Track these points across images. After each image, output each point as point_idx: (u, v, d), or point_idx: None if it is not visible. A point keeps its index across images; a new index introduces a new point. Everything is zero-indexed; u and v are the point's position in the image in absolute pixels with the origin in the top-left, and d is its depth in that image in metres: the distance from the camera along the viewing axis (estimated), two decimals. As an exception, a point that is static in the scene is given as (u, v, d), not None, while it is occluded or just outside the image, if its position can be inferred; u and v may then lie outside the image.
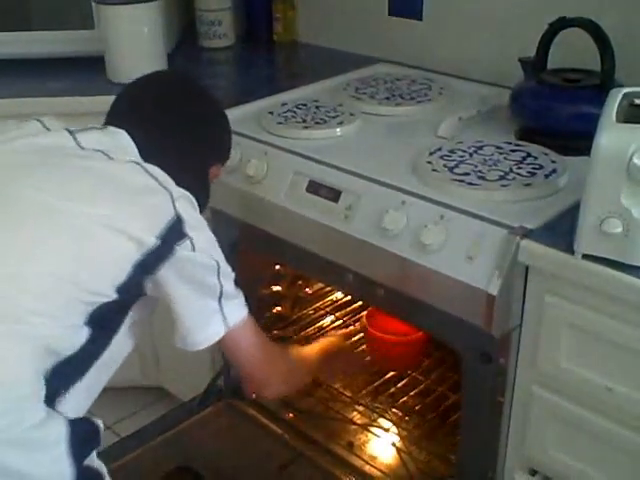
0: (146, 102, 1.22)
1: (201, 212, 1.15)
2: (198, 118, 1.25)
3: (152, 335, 1.98)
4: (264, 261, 1.76)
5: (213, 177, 1.30)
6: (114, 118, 1.20)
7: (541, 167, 1.34)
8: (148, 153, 1.14)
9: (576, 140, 1.34)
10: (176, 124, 1.21)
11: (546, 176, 1.31)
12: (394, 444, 1.68)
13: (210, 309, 1.13)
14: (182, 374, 1.94)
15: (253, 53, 2.24)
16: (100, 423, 1.10)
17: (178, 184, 1.10)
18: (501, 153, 1.40)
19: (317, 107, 1.66)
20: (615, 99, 1.12)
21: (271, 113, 1.63)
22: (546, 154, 1.39)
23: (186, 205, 1.09)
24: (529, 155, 1.39)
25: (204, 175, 1.28)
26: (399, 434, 1.69)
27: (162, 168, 1.10)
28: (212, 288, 1.12)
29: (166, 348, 1.99)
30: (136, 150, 1.14)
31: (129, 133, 1.15)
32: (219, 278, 1.13)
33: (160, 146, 1.16)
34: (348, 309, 2.00)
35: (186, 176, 1.12)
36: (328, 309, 2.00)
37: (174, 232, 1.06)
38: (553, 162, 1.36)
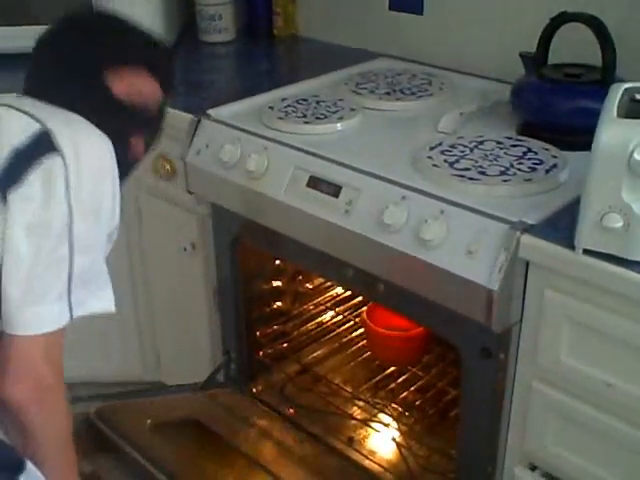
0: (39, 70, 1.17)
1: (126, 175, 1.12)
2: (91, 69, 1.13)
3: (153, 330, 1.99)
4: (264, 256, 1.76)
5: (136, 153, 1.18)
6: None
7: (542, 162, 1.34)
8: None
9: (577, 135, 1.34)
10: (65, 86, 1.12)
11: (547, 171, 1.31)
12: (394, 439, 1.68)
13: (53, 284, 0.98)
14: (182, 369, 1.94)
15: (253, 48, 2.23)
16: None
17: None
18: (502, 148, 1.40)
19: (317, 102, 1.66)
20: (616, 94, 1.12)
21: (271, 108, 1.63)
22: (547, 149, 1.38)
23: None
24: (530, 150, 1.38)
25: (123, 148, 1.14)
26: (399, 429, 1.69)
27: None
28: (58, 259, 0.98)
29: (167, 343, 1.99)
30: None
31: None
32: (72, 247, 0.98)
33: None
34: (348, 304, 2.00)
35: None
36: (328, 304, 1.99)
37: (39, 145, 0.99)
38: (554, 157, 1.36)
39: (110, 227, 1.07)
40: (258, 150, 1.49)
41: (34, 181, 0.97)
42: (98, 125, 1.07)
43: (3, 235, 0.96)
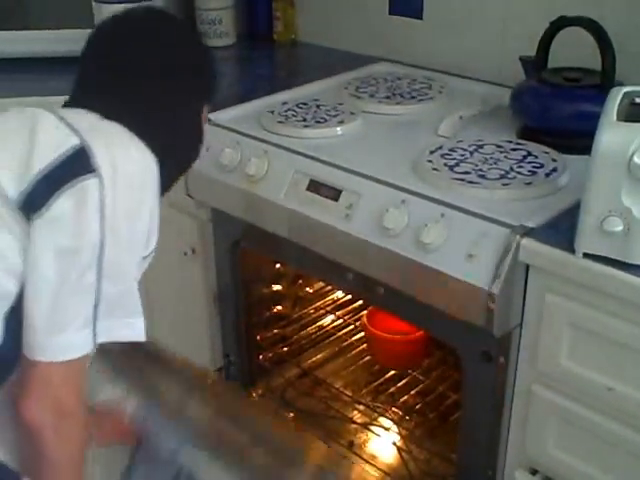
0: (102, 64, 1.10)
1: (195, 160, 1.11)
2: (166, 61, 1.10)
3: (152, 333, 1.98)
4: (265, 260, 1.76)
5: (204, 121, 1.19)
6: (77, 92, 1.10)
7: (542, 166, 1.34)
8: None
9: (577, 139, 1.34)
10: (139, 79, 1.08)
11: (547, 175, 1.31)
12: (394, 443, 1.68)
13: (79, 310, 0.95)
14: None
15: (253, 52, 2.24)
16: None
17: (166, 145, 1.03)
18: (502, 152, 1.40)
19: (317, 106, 1.66)
20: (616, 98, 1.12)
21: (271, 112, 1.63)
22: (547, 153, 1.39)
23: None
24: (530, 154, 1.39)
25: (195, 124, 1.16)
26: (399, 433, 1.69)
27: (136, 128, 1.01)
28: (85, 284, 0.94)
29: (166, 346, 1.99)
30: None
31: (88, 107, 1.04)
32: (99, 274, 0.94)
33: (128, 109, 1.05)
34: (349, 308, 1.99)
35: (175, 132, 1.06)
36: (329, 308, 1.99)
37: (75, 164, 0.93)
38: (554, 161, 1.36)
39: (146, 250, 1.04)
40: (258, 154, 1.49)
41: (65, 203, 0.92)
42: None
43: (27, 258, 0.92)
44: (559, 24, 1.43)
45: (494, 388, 1.29)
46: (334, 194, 1.38)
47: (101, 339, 0.96)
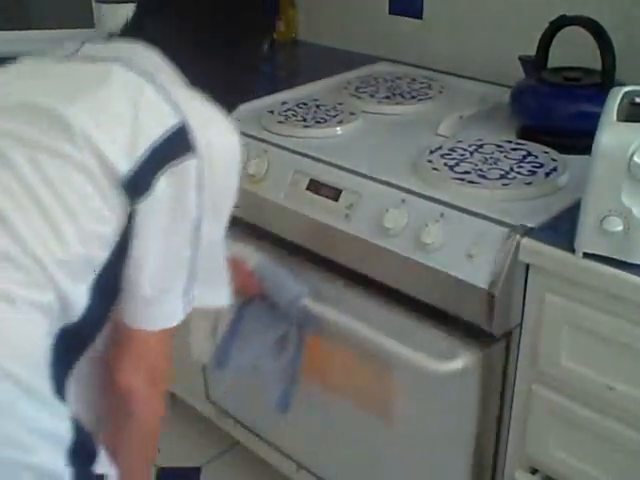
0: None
1: None
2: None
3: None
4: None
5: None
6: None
7: (541, 166, 1.34)
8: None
9: (577, 139, 1.34)
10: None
11: (547, 175, 1.31)
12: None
13: (175, 283, 0.98)
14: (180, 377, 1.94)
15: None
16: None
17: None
18: (501, 152, 1.40)
19: (317, 106, 1.66)
20: (616, 98, 1.12)
21: (271, 112, 1.63)
22: (546, 153, 1.39)
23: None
24: (529, 154, 1.39)
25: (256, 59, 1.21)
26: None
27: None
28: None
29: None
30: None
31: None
32: (195, 249, 0.97)
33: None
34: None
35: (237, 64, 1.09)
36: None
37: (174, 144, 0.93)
38: (554, 161, 1.36)
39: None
40: (258, 154, 1.50)
41: (166, 183, 0.92)
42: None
43: (129, 235, 0.93)
44: (559, 23, 1.43)
45: (494, 388, 1.29)
46: (334, 194, 1.38)
47: (192, 307, 1.00)
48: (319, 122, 1.58)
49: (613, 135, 1.03)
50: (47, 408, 0.87)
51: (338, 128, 1.56)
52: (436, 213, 1.24)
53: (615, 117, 1.06)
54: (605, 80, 1.38)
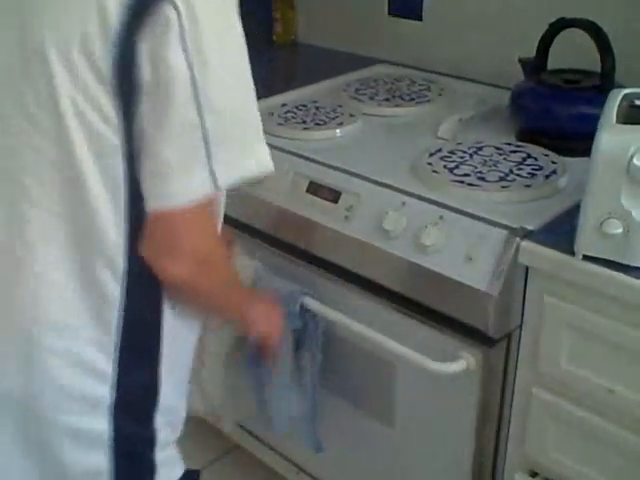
0: None
1: None
2: None
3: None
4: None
5: None
6: None
7: (541, 168, 1.34)
8: None
9: (576, 141, 1.34)
10: None
11: (546, 177, 1.31)
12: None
13: (191, 152, 0.88)
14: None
15: (253, 54, 2.22)
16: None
17: None
18: (501, 154, 1.40)
19: (317, 108, 1.66)
20: (615, 100, 1.12)
21: (271, 114, 1.63)
22: (546, 155, 1.39)
23: None
24: (529, 156, 1.39)
25: None
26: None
27: None
28: (187, 122, 0.87)
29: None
30: None
31: None
32: (200, 109, 0.86)
33: None
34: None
35: None
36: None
37: None
38: (553, 163, 1.36)
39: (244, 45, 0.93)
40: (257, 156, 1.49)
41: (144, 47, 0.85)
42: None
43: (127, 117, 0.87)
44: (558, 26, 1.43)
45: (494, 390, 1.29)
46: (334, 196, 1.38)
47: (223, 178, 0.90)
48: (319, 124, 1.58)
49: (613, 137, 1.03)
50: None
51: (338, 130, 1.56)
52: (435, 215, 1.24)
53: (615, 119, 1.06)
54: (605, 82, 1.38)
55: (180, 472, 1.11)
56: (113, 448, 0.99)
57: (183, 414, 1.10)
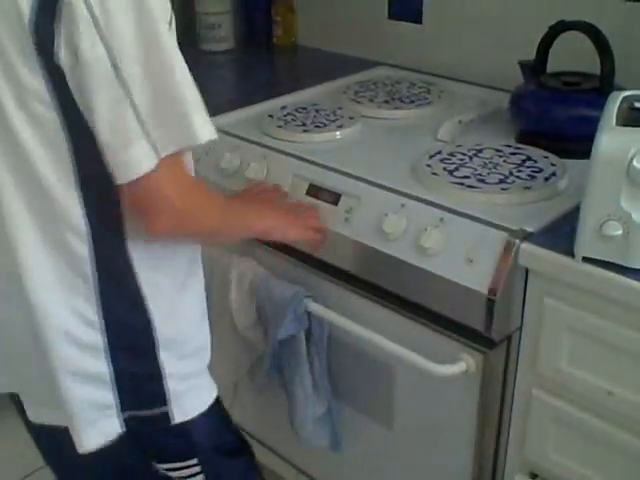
0: None
1: None
2: None
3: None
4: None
5: None
6: None
7: (541, 170, 1.34)
8: None
9: (576, 143, 1.34)
10: None
11: (546, 179, 1.31)
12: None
13: (127, 127, 0.90)
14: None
15: (253, 56, 2.24)
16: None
17: None
18: (501, 156, 1.40)
19: (317, 110, 1.66)
20: (615, 102, 1.12)
21: (271, 116, 1.64)
22: (546, 157, 1.39)
23: None
24: (529, 158, 1.39)
25: None
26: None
27: None
28: (115, 98, 0.89)
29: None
30: None
31: None
32: (125, 86, 0.89)
33: None
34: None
35: None
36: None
37: None
38: (553, 165, 1.36)
39: (165, 20, 0.92)
40: (257, 158, 1.50)
41: (61, 33, 0.87)
42: None
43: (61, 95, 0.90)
44: (558, 28, 1.43)
45: (493, 392, 1.28)
46: (333, 198, 1.38)
47: (164, 149, 0.92)
48: (318, 127, 1.58)
49: (612, 140, 1.03)
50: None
51: (337, 133, 1.56)
52: (435, 218, 1.24)
53: (614, 122, 1.06)
54: (604, 84, 1.38)
55: (208, 400, 1.14)
56: (117, 385, 1.04)
57: (198, 343, 1.12)
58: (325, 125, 1.59)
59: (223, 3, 2.21)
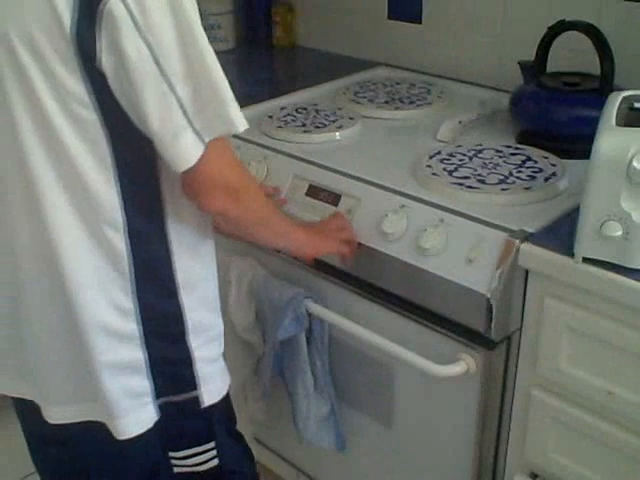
0: None
1: None
2: None
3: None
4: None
5: None
6: None
7: (541, 170, 1.34)
8: None
9: (576, 143, 1.34)
10: None
11: (546, 179, 1.31)
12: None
13: (174, 120, 0.95)
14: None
15: (253, 57, 2.24)
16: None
17: None
18: (501, 157, 1.40)
19: (317, 111, 1.66)
20: (614, 102, 1.12)
21: (271, 117, 1.64)
22: (546, 157, 1.39)
23: None
24: (529, 159, 1.39)
25: None
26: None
27: None
28: (160, 92, 0.94)
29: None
30: None
31: None
32: (169, 82, 0.93)
33: None
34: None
35: None
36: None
37: None
38: (553, 165, 1.36)
39: (197, 16, 0.96)
40: (257, 159, 1.50)
41: (103, 40, 0.91)
42: None
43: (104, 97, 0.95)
44: (558, 28, 1.43)
45: (494, 392, 1.29)
46: (333, 199, 1.38)
47: (207, 136, 0.97)
48: (318, 127, 1.58)
49: (612, 140, 1.03)
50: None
51: (337, 133, 1.56)
52: (435, 218, 1.24)
53: (614, 122, 1.06)
54: (604, 85, 1.38)
55: (227, 384, 1.19)
56: (152, 372, 1.09)
57: (219, 329, 1.17)
58: (325, 125, 1.59)
59: (223, 4, 2.21)
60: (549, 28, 1.44)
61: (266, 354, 1.48)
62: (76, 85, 0.94)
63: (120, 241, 1.02)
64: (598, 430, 1.17)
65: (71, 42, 0.91)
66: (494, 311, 1.17)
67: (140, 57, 0.91)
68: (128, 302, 1.05)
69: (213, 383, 1.15)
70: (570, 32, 1.41)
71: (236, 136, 1.55)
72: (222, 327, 1.18)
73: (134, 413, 1.09)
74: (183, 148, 0.96)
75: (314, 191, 1.41)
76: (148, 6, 0.90)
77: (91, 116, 0.96)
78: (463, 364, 1.24)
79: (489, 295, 1.17)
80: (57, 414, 1.12)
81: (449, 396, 1.32)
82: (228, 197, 1.04)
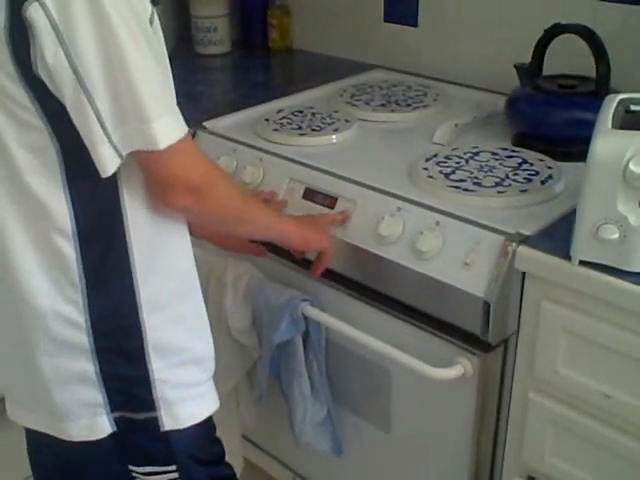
0: None
1: None
2: None
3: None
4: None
5: None
6: None
7: (537, 173, 1.34)
8: None
9: (572, 146, 1.35)
10: None
11: (542, 182, 1.31)
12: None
13: (92, 131, 0.92)
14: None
15: (248, 60, 2.24)
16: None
17: None
18: (497, 159, 1.40)
19: (313, 114, 1.66)
20: (611, 105, 1.12)
21: (267, 120, 1.63)
22: (542, 160, 1.39)
23: None
24: (525, 161, 1.39)
25: None
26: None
27: None
28: (78, 104, 0.91)
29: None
30: None
31: None
32: (88, 94, 0.90)
33: None
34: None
35: None
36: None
37: None
38: (549, 168, 1.36)
39: (144, 20, 0.95)
40: (254, 162, 1.49)
41: (35, 46, 0.88)
42: None
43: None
44: (554, 31, 1.43)
45: (491, 395, 1.28)
46: (330, 202, 1.38)
47: (124, 150, 0.94)
48: (315, 130, 1.58)
49: (608, 143, 1.03)
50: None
51: (334, 136, 1.56)
52: (432, 221, 1.24)
53: (610, 125, 1.06)
54: (600, 88, 1.38)
55: (206, 412, 1.13)
56: (105, 386, 1.05)
57: (198, 353, 1.11)
58: (321, 128, 1.58)
59: (219, 7, 2.20)
60: (545, 31, 1.45)
61: (262, 357, 1.48)
62: (18, 91, 0.92)
63: (70, 250, 1.00)
64: (595, 433, 1.17)
65: (7, 48, 0.90)
66: (491, 314, 1.17)
67: (59, 67, 0.89)
68: (79, 313, 1.02)
69: (181, 408, 1.08)
70: (566, 35, 1.42)
71: (232, 139, 1.57)
72: (207, 350, 1.13)
73: (84, 419, 1.06)
74: (102, 159, 0.93)
75: (310, 194, 1.41)
76: (72, 15, 0.87)
77: (37, 123, 0.94)
78: (460, 367, 1.24)
79: (486, 298, 1.17)
80: (14, 414, 1.13)
81: (446, 399, 1.32)
82: (190, 194, 1.00)
